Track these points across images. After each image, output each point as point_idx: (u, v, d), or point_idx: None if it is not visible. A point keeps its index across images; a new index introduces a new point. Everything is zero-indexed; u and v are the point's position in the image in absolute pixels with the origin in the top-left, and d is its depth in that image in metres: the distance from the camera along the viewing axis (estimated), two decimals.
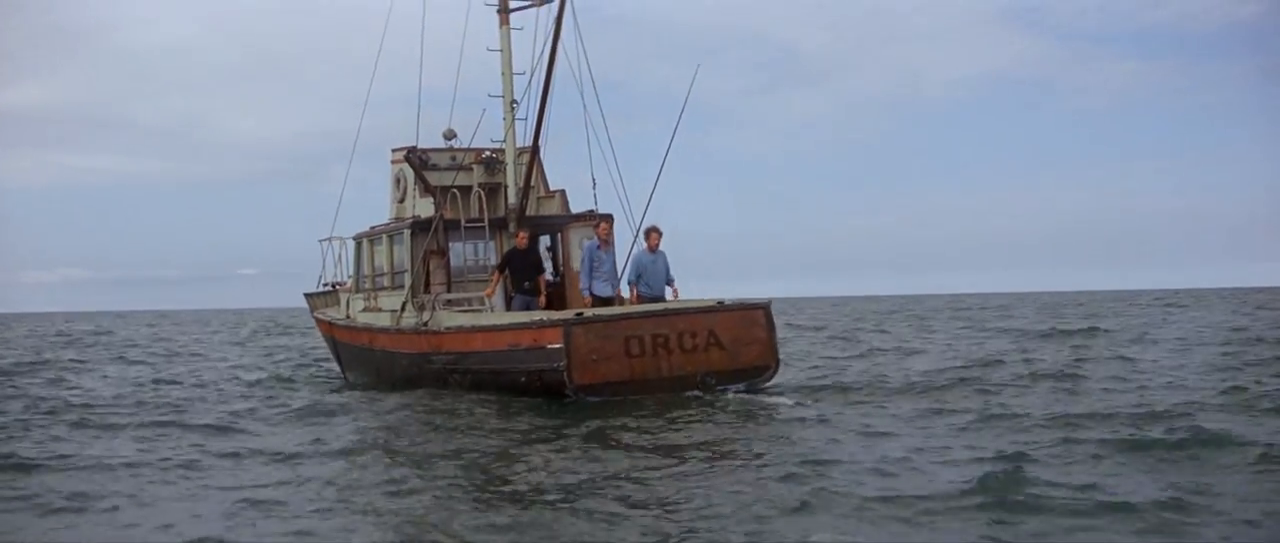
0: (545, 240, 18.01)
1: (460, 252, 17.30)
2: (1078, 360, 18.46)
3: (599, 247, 15.60)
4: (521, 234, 16.14)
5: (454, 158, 17.75)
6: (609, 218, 17.48)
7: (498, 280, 16.01)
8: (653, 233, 15.51)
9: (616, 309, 14.50)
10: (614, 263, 15.89)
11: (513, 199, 16.95)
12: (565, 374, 13.12)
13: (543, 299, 16.15)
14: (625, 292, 15.65)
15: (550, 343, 13.34)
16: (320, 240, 20.77)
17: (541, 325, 13.66)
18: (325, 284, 21.50)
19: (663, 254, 15.55)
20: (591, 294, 15.57)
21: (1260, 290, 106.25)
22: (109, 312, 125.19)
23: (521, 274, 15.97)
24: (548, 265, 17.79)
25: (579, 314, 13.85)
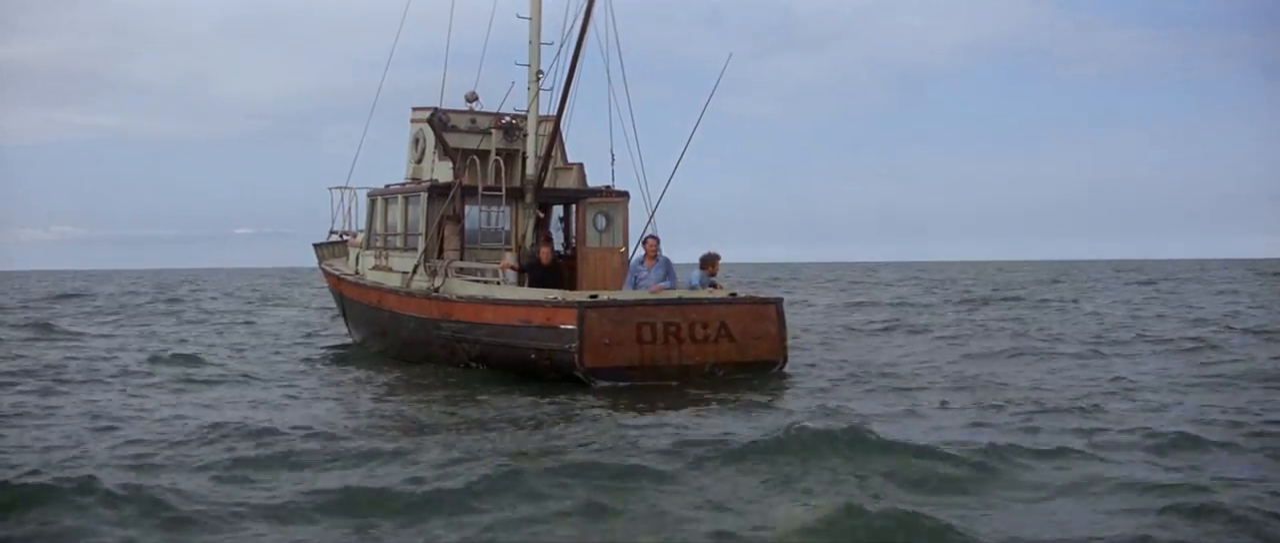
0: (558, 212, 18.03)
1: (475, 218, 17.27)
2: None
3: (643, 261, 15.38)
4: (546, 249, 16.00)
5: (473, 120, 17.68)
6: (625, 195, 17.47)
7: (516, 257, 16.05)
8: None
9: (631, 294, 14.54)
10: (661, 277, 15.25)
11: (531, 170, 16.92)
12: (576, 356, 13.18)
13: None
14: None
15: (563, 323, 13.39)
16: (330, 188, 20.74)
17: (555, 305, 13.70)
18: (333, 233, 21.49)
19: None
20: None
21: (1247, 263, 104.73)
22: (107, 271, 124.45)
23: (537, 284, 15.88)
24: (559, 236, 17.83)
25: (593, 296, 13.90)
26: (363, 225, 19.77)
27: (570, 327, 13.27)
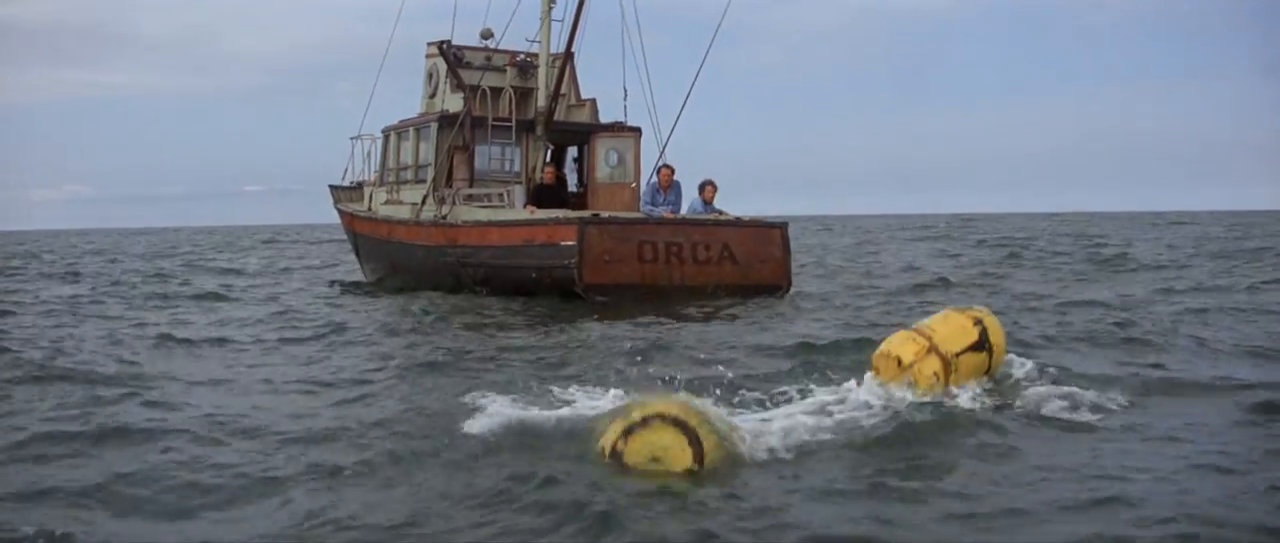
0: (572, 154, 17.92)
1: (486, 154, 17.19)
2: None
3: (659, 189, 15.29)
4: (549, 169, 16.09)
5: (488, 58, 17.62)
6: (637, 130, 17.33)
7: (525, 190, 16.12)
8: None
9: (634, 214, 14.44)
10: (676, 207, 15.15)
11: (542, 102, 16.84)
12: (576, 272, 13.10)
13: None
14: None
15: (563, 240, 13.31)
16: (351, 137, 20.79)
17: (556, 223, 13.63)
18: (353, 182, 21.52)
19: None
20: None
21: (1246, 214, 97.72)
22: (118, 229, 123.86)
23: (545, 203, 15.76)
24: (573, 178, 17.73)
25: (596, 215, 13.82)
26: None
27: (570, 243, 13.19)
